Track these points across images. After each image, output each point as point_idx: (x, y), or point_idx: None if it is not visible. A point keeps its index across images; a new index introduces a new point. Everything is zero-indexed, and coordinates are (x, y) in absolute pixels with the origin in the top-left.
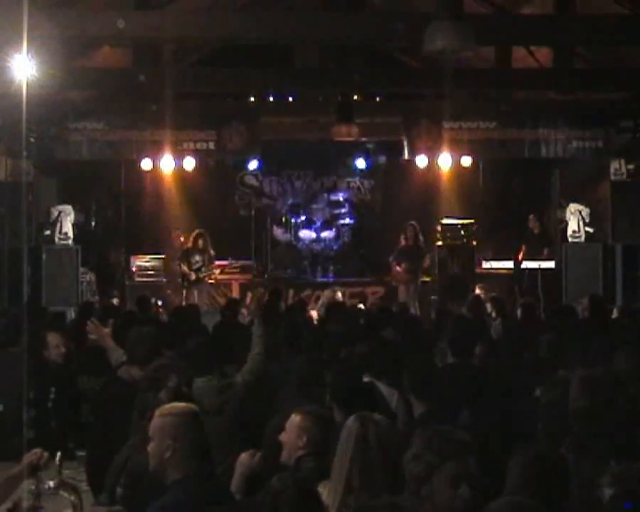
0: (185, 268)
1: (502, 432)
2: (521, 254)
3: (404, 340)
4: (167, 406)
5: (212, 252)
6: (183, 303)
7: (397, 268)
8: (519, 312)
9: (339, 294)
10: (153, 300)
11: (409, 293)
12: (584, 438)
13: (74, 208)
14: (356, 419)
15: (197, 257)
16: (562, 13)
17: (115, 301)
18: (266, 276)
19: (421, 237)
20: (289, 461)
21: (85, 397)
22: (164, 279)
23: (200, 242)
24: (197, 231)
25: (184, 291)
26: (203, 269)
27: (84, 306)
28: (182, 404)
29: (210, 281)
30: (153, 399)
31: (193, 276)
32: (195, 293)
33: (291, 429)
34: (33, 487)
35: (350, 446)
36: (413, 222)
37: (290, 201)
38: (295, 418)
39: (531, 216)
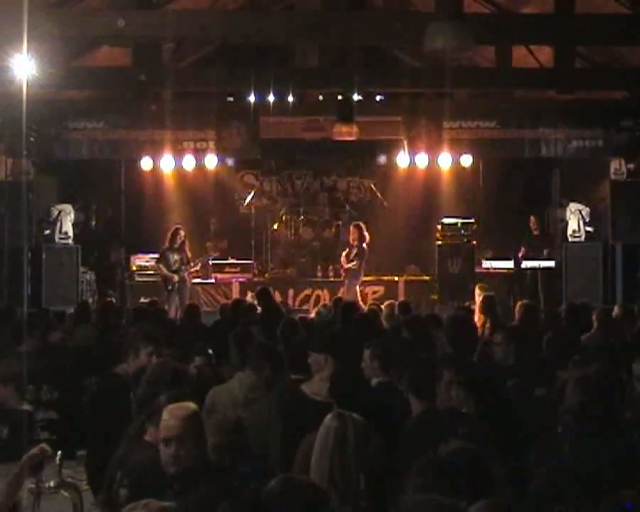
0: (165, 270)
1: (502, 433)
2: (521, 253)
3: (414, 340)
4: (181, 404)
5: (189, 253)
6: (165, 306)
7: None
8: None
9: None
10: (142, 299)
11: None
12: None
13: (74, 208)
14: (334, 417)
15: (175, 257)
16: (562, 13)
17: (113, 300)
18: (266, 275)
19: (365, 235)
20: None
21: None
22: None
23: (178, 239)
24: (174, 228)
25: (166, 295)
26: (183, 268)
27: (80, 306)
28: (190, 404)
29: (195, 280)
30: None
31: (176, 278)
32: (177, 295)
33: None
34: (33, 487)
35: (330, 445)
36: (357, 222)
37: (290, 201)
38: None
39: (532, 218)
